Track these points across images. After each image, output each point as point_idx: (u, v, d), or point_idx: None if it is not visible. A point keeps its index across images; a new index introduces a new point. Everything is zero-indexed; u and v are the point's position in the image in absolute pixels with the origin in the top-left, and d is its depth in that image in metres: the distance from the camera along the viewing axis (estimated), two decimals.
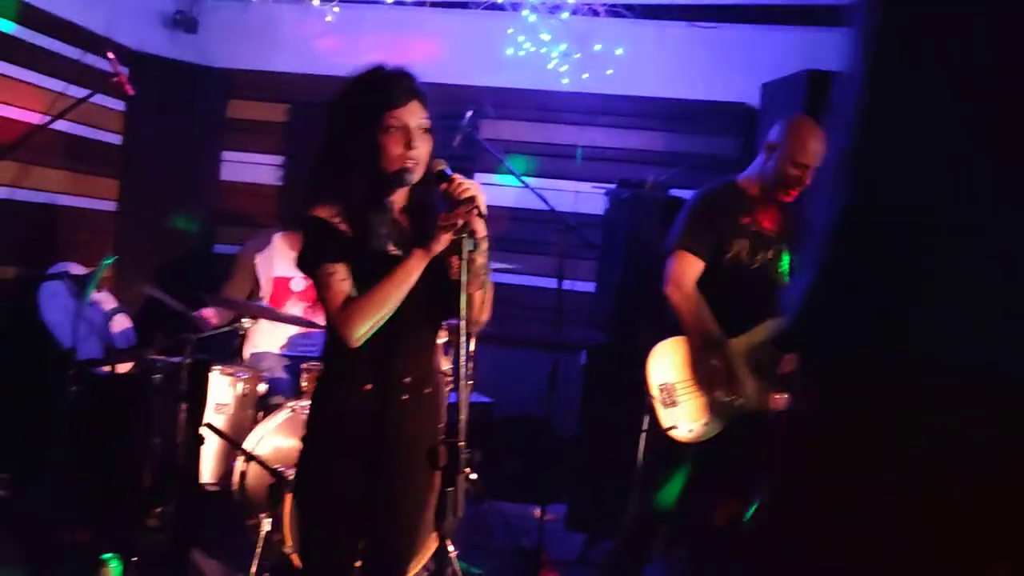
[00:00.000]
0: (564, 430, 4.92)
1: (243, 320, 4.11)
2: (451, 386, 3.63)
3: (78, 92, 4.08)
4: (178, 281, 5.43)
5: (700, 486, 3.39)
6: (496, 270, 2.39)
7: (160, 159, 5.52)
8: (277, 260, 4.52)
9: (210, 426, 3.73)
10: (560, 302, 4.35)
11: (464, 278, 2.11)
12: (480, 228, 2.16)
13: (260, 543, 3.40)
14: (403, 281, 2.23)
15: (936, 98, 1.10)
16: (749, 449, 3.35)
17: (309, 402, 3.64)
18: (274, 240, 4.56)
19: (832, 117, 1.21)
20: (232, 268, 4.58)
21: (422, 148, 2.27)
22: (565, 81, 5.54)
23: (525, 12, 5.39)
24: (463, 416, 2.03)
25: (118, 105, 5.34)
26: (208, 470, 3.89)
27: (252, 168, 5.96)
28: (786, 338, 1.25)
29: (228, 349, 4.42)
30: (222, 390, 3.94)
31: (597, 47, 5.46)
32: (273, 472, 3.41)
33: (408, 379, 2.36)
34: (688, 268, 3.31)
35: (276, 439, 3.68)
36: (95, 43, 4.81)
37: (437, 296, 2.31)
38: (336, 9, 5.48)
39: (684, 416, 3.31)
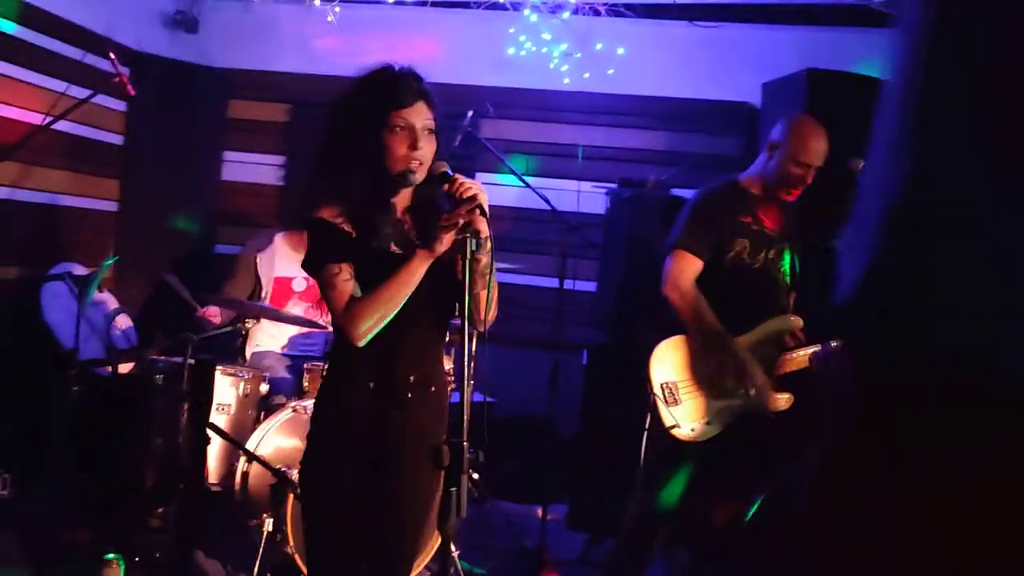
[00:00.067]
0: (565, 430, 4.93)
1: (245, 320, 4.11)
2: (453, 386, 3.63)
3: (79, 92, 4.08)
4: (179, 281, 5.44)
5: (701, 486, 3.39)
6: (497, 269, 2.39)
7: (161, 159, 5.52)
8: (278, 260, 4.52)
9: (212, 426, 3.73)
10: (561, 302, 4.35)
11: (467, 278, 2.11)
12: (483, 228, 2.16)
13: (262, 543, 3.40)
14: (406, 281, 2.23)
15: (983, 94, 1.09)
16: (750, 449, 3.36)
17: (311, 402, 3.66)
18: (275, 240, 4.57)
19: (881, 108, 1.20)
20: (233, 268, 4.58)
21: (427, 149, 2.27)
22: (566, 81, 5.54)
23: (526, 12, 5.39)
24: (467, 416, 2.03)
25: (119, 105, 5.35)
26: (210, 470, 3.89)
27: (253, 168, 5.96)
28: (836, 322, 1.23)
29: (230, 349, 4.43)
30: (224, 390, 3.95)
31: (598, 46, 5.46)
32: (275, 472, 3.41)
33: (412, 377, 2.36)
34: (686, 267, 3.31)
35: (278, 439, 3.68)
36: (96, 43, 4.81)
37: (442, 296, 2.32)
38: (337, 9, 5.48)
39: (686, 415, 3.31)
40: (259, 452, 3.61)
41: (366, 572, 2.41)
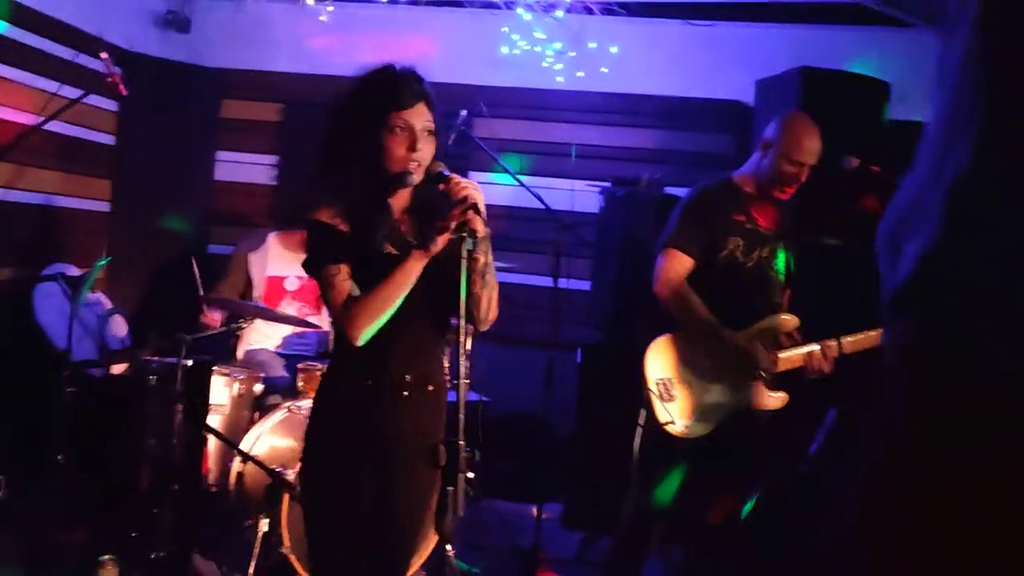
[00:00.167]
0: (560, 428, 4.92)
1: (240, 320, 4.11)
2: (451, 385, 3.63)
3: (71, 92, 4.07)
4: (172, 281, 5.43)
5: (696, 483, 3.39)
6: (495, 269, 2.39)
7: (153, 159, 5.51)
8: (271, 260, 4.51)
9: (207, 426, 3.72)
10: (556, 301, 4.35)
11: (464, 277, 2.11)
12: (479, 227, 2.16)
13: (258, 543, 3.39)
14: (402, 282, 2.24)
15: None
16: (745, 447, 3.36)
17: (305, 402, 3.66)
18: (268, 239, 4.56)
19: (941, 90, 1.17)
20: (225, 267, 4.57)
21: (426, 151, 2.28)
22: (561, 79, 5.54)
23: (519, 10, 5.39)
24: (462, 415, 2.03)
25: (111, 105, 5.33)
26: (205, 471, 3.88)
27: (246, 168, 5.94)
28: (897, 302, 1.18)
29: (223, 350, 4.42)
30: (218, 390, 3.94)
31: (592, 45, 5.46)
32: (270, 472, 3.40)
33: (409, 377, 2.36)
34: (677, 265, 3.30)
35: (273, 439, 3.67)
36: (87, 43, 4.79)
37: (439, 296, 2.32)
38: (330, 8, 5.47)
39: (681, 411, 3.31)
40: (254, 452, 3.60)
41: (364, 570, 2.41)
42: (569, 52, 5.49)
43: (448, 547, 3.67)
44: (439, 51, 5.56)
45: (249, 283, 4.50)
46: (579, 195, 5.44)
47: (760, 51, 5.24)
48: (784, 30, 5.32)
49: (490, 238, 2.28)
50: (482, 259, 2.24)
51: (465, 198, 2.17)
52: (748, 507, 3.48)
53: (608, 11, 5.42)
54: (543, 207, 4.58)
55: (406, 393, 2.36)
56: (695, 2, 5.38)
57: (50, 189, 4.95)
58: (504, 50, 5.52)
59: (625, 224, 4.81)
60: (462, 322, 2.08)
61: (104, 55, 3.89)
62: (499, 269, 2.41)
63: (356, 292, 2.27)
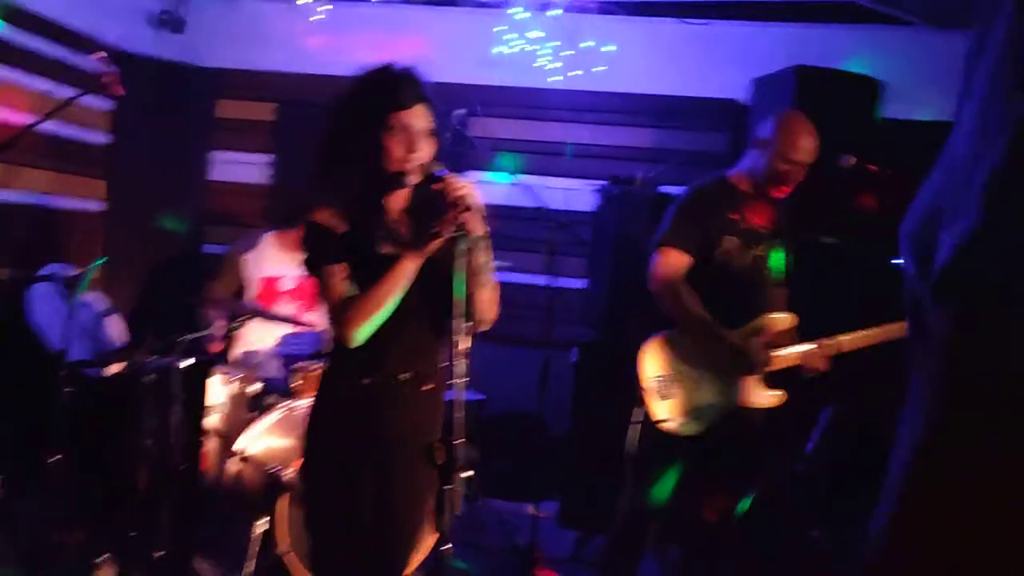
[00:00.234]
0: (556, 427, 4.93)
1: (236, 320, 4.11)
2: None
3: (66, 92, 4.06)
4: (167, 282, 5.43)
5: (692, 482, 3.40)
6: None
7: (148, 159, 5.50)
8: (267, 260, 4.50)
9: (204, 427, 3.72)
10: (551, 299, 4.36)
11: (460, 277, 2.12)
12: (475, 227, 2.17)
13: (255, 544, 3.39)
14: (397, 282, 2.25)
15: None
16: (741, 445, 3.37)
17: (302, 402, 3.66)
18: (264, 239, 4.55)
19: (976, 75, 1.17)
20: (220, 267, 4.56)
21: (425, 151, 2.28)
22: (555, 78, 5.54)
23: (514, 9, 5.39)
24: (459, 414, 2.03)
25: (105, 105, 5.32)
26: (202, 471, 3.88)
27: (241, 167, 5.94)
28: (937, 290, 1.16)
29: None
30: (215, 390, 3.93)
31: (587, 44, 5.46)
32: (267, 472, 3.40)
33: (406, 376, 2.37)
34: (672, 264, 3.31)
35: (270, 439, 3.67)
36: (82, 43, 4.78)
37: (435, 295, 2.32)
38: (324, 8, 5.46)
39: (676, 409, 3.32)
40: (251, 452, 3.60)
41: (362, 569, 2.42)
42: (564, 51, 5.49)
43: (446, 546, 3.67)
44: (433, 50, 5.55)
45: (242, 283, 4.49)
46: (574, 194, 5.45)
47: (755, 49, 5.25)
48: (779, 28, 5.33)
49: (488, 237, 2.28)
50: (480, 259, 2.24)
51: (461, 198, 2.17)
52: (744, 506, 3.49)
53: (603, 10, 5.43)
54: (538, 206, 4.59)
55: (403, 393, 2.37)
56: (691, 1, 5.39)
57: (45, 189, 4.95)
58: (499, 49, 5.51)
59: (620, 223, 4.81)
60: (455, 322, 2.09)
61: (100, 55, 3.88)
62: (494, 268, 2.41)
63: (353, 292, 2.27)
